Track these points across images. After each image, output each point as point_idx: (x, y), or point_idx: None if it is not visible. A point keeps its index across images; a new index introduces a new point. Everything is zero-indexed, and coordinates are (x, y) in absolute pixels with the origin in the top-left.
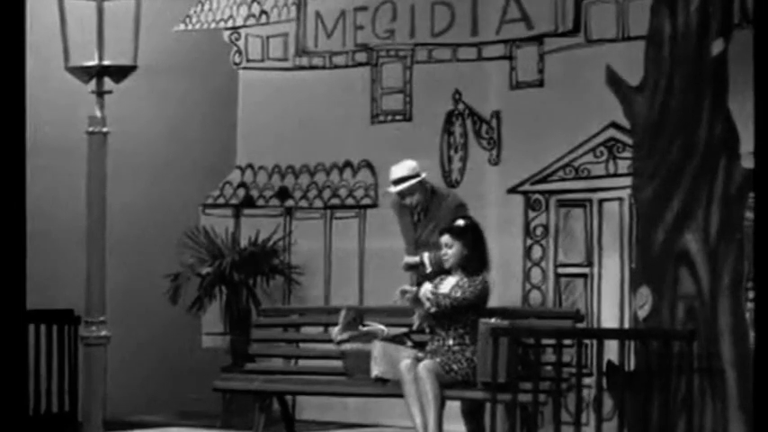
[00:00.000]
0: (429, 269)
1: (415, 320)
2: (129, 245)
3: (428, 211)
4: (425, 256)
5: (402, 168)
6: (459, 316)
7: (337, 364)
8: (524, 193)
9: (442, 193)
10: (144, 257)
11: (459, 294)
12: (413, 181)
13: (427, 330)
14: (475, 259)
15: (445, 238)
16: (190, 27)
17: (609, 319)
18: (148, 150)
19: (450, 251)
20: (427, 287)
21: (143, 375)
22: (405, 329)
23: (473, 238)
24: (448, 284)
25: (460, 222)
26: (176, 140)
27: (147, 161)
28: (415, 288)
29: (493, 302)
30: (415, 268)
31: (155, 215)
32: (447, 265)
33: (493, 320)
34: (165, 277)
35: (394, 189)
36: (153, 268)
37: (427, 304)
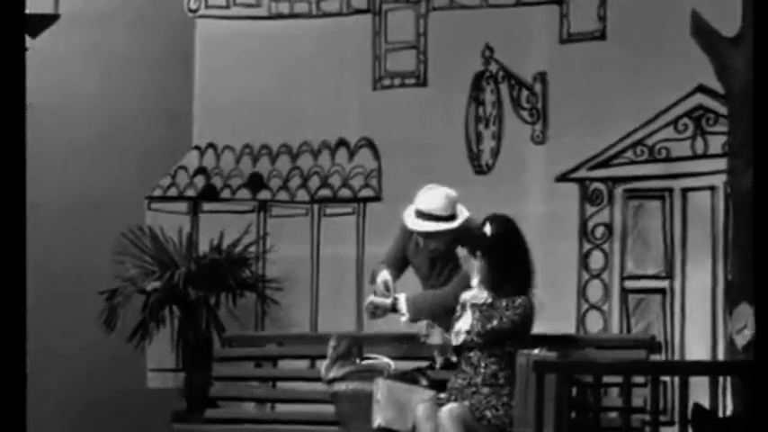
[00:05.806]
0: (406, 316)
1: (436, 356)
2: (52, 251)
3: (447, 253)
4: (402, 298)
5: (435, 200)
6: (494, 348)
7: (328, 409)
8: (579, 180)
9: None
10: (71, 268)
11: (495, 323)
12: (444, 227)
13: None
14: (502, 279)
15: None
16: None
17: (696, 349)
18: (77, 126)
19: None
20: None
21: (70, 424)
22: (418, 365)
23: (501, 255)
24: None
25: (486, 232)
26: (114, 113)
27: (75, 140)
28: (388, 300)
29: (536, 327)
30: (386, 313)
31: (85, 211)
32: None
33: (536, 351)
34: (99, 295)
35: (416, 227)
36: (82, 283)
37: (455, 341)
